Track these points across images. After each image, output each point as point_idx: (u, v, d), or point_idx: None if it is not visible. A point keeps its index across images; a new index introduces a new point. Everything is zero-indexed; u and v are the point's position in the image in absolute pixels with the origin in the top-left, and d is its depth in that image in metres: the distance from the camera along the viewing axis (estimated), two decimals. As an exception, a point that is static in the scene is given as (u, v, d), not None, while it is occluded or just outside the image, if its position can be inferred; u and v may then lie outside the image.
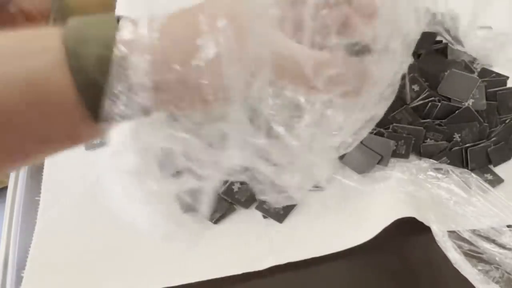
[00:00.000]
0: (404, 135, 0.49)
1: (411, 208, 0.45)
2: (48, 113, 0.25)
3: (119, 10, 0.66)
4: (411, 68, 0.52)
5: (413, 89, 0.51)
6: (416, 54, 0.56)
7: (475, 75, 0.54)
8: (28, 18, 1.11)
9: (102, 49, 0.24)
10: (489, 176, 0.49)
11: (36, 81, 0.24)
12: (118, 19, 0.26)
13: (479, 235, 0.44)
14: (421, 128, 0.50)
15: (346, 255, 0.44)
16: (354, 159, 0.49)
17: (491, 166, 0.50)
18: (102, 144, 0.53)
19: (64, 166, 0.52)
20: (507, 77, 0.55)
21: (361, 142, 0.49)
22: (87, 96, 0.24)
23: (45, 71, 0.24)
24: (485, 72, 0.55)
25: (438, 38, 0.58)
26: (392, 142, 0.49)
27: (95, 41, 0.24)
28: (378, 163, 0.49)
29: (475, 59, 0.58)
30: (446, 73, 0.53)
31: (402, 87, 0.52)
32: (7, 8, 1.05)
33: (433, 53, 0.54)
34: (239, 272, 0.43)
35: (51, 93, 0.24)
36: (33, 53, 0.24)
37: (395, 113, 0.51)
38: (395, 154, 0.50)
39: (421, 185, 0.47)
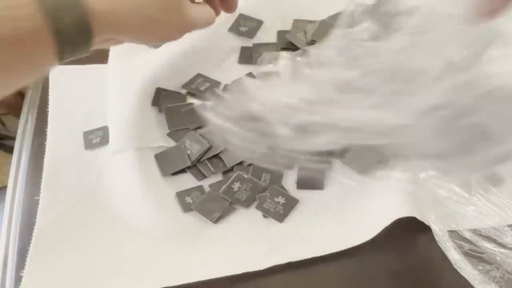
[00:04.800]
0: None
1: (412, 208, 0.45)
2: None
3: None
4: None
5: None
6: None
7: None
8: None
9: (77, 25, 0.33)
10: (490, 176, 0.49)
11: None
12: None
13: (480, 235, 0.44)
14: None
15: (346, 255, 0.44)
16: (355, 158, 0.49)
17: None
18: (102, 143, 0.53)
19: (64, 166, 0.52)
20: None
21: None
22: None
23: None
24: None
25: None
26: None
27: (69, 15, 0.32)
28: (379, 162, 0.49)
29: None
30: None
31: None
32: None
33: None
34: (239, 272, 0.43)
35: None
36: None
37: None
38: None
39: (421, 184, 0.47)
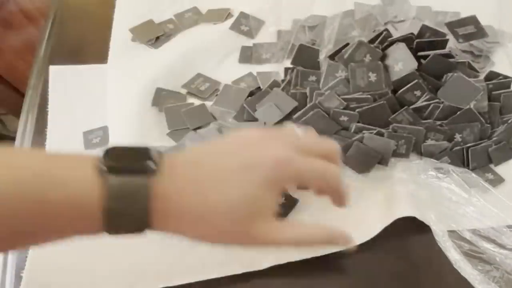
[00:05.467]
0: (405, 135, 0.49)
1: (412, 208, 0.44)
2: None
3: (118, 7, 0.66)
4: (413, 75, 0.51)
5: (415, 94, 0.51)
6: (418, 57, 0.55)
7: (480, 77, 0.53)
8: (28, 17, 1.11)
9: (135, 228, 0.32)
10: (490, 176, 0.49)
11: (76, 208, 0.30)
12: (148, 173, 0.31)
13: (480, 235, 0.43)
14: (422, 128, 0.49)
15: (346, 255, 0.44)
16: (354, 158, 0.49)
17: (491, 166, 0.50)
18: (102, 143, 0.53)
19: None
20: None
21: (361, 142, 0.49)
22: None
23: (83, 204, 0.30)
24: (492, 75, 0.54)
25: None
26: (392, 142, 0.49)
27: (131, 221, 0.31)
28: (379, 162, 0.49)
29: (478, 56, 0.58)
30: (448, 75, 0.52)
31: (404, 92, 0.51)
32: (7, 7, 1.05)
33: (438, 57, 0.53)
34: (239, 271, 0.43)
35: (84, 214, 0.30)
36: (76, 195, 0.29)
37: (395, 114, 0.50)
38: (396, 153, 0.49)
39: (421, 184, 0.47)
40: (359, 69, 0.52)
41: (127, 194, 0.30)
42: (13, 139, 0.56)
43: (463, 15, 0.62)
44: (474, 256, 0.42)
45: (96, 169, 0.30)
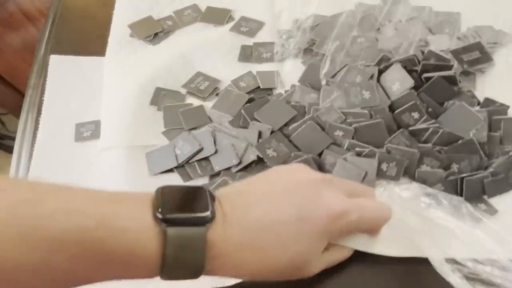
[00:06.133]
0: (397, 157, 0.47)
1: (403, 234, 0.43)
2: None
3: (118, 8, 0.66)
4: (411, 95, 0.51)
5: (413, 116, 0.50)
6: (420, 77, 0.54)
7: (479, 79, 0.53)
8: (27, 17, 1.11)
9: (191, 274, 0.33)
10: (483, 206, 0.46)
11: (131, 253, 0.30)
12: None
13: (476, 261, 0.42)
14: (416, 151, 0.47)
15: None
16: (339, 176, 0.47)
17: (485, 197, 0.47)
18: (92, 137, 0.53)
19: (52, 157, 0.51)
20: (508, 107, 0.52)
21: (346, 160, 0.48)
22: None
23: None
24: (489, 102, 0.53)
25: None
26: (375, 161, 0.47)
27: (187, 268, 0.32)
28: (363, 180, 0.47)
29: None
30: (450, 103, 0.51)
31: (400, 112, 0.51)
32: (7, 7, 1.05)
33: (441, 80, 0.52)
34: (227, 284, 0.42)
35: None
36: (136, 242, 0.30)
37: (392, 137, 0.49)
38: (385, 176, 0.47)
39: (410, 211, 0.44)
40: (353, 88, 0.52)
41: (185, 244, 0.31)
42: (13, 139, 0.56)
43: (464, 15, 0.62)
44: (473, 278, 0.40)
45: (154, 218, 0.31)
